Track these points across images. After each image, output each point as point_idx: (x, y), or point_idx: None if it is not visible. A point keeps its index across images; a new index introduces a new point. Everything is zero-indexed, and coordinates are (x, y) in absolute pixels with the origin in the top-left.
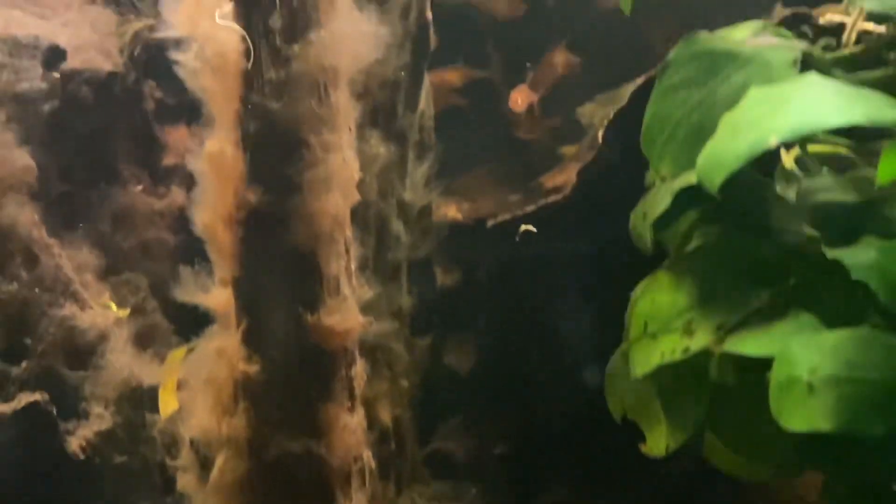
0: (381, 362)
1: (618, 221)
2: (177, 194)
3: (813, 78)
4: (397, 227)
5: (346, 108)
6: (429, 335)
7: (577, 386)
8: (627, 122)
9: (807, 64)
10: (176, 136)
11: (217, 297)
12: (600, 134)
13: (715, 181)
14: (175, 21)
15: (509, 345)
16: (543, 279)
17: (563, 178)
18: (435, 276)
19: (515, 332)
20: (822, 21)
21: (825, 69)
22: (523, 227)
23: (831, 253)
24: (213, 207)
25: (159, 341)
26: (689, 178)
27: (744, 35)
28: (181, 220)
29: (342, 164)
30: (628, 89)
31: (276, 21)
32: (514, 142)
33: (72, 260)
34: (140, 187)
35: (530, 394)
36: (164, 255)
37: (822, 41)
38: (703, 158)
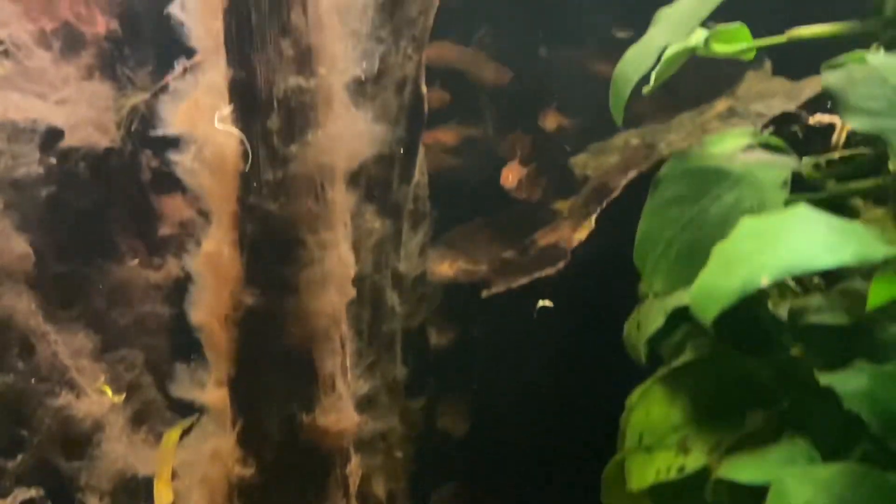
0: (376, 437)
1: (610, 301)
2: (173, 265)
3: (803, 212)
4: (392, 298)
5: (342, 204)
6: (423, 397)
7: (573, 449)
8: (620, 211)
9: (797, 181)
10: (172, 204)
11: (212, 396)
12: (593, 219)
13: (708, 315)
14: (174, 121)
15: (505, 407)
16: (539, 340)
17: (557, 235)
18: (429, 339)
19: (511, 394)
20: (812, 122)
21: (816, 185)
22: (541, 303)
23: (824, 378)
24: (209, 308)
25: (155, 417)
26: (682, 298)
27: (735, 146)
28: (178, 295)
29: (338, 261)
30: (617, 141)
31: (274, 122)
32: (507, 197)
33: (68, 345)
34: (136, 261)
35: (526, 458)
36: (160, 328)
37: (811, 158)
38: (696, 290)
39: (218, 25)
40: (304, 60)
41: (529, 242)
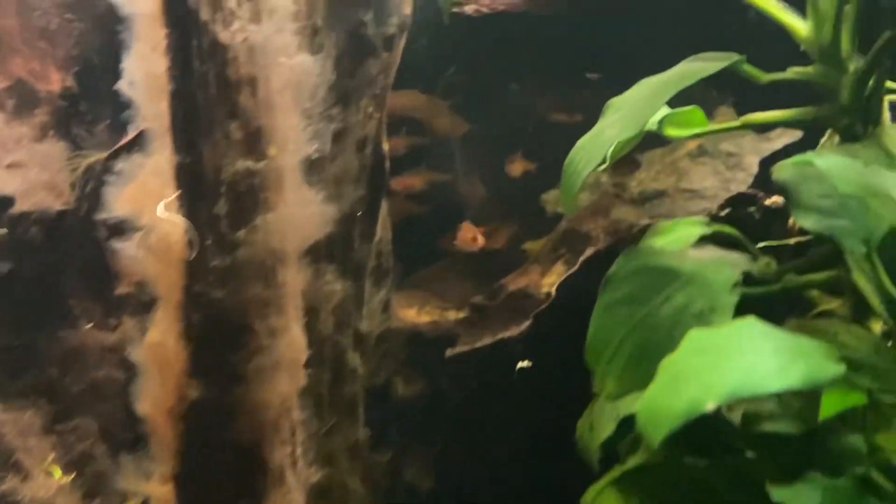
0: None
1: (576, 357)
2: (129, 325)
3: (751, 327)
4: (354, 359)
5: (293, 286)
6: (388, 451)
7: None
8: (579, 283)
9: (749, 278)
10: (127, 260)
11: (158, 492)
12: (554, 290)
13: (655, 437)
14: (119, 206)
15: (472, 460)
16: (507, 392)
17: (527, 280)
18: (394, 396)
19: (479, 446)
20: (768, 203)
21: (767, 280)
22: (520, 364)
23: (777, 493)
24: (154, 400)
25: (107, 492)
26: (632, 406)
27: (687, 236)
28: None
29: (288, 347)
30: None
31: (221, 207)
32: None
33: (16, 423)
34: (90, 325)
35: None
36: (115, 393)
37: (765, 257)
38: (643, 410)
39: (165, 107)
40: (254, 142)
41: (498, 287)
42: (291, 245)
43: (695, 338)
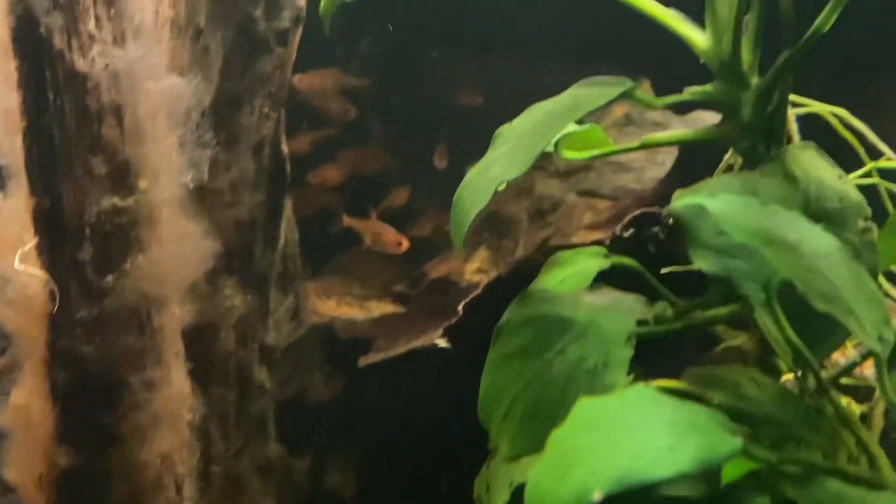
0: None
1: None
2: None
3: (643, 398)
4: (260, 374)
5: (173, 331)
6: (307, 458)
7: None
8: (483, 306)
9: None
10: None
11: None
12: (461, 307)
13: None
14: None
15: (396, 461)
16: (430, 391)
17: (448, 267)
18: (308, 405)
19: (404, 448)
20: (672, 223)
21: (664, 322)
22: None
23: None
24: (22, 467)
25: None
26: (525, 472)
27: (585, 271)
28: None
29: (169, 399)
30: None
31: (86, 252)
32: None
33: None
34: None
35: None
36: None
37: (661, 304)
38: (530, 493)
39: (19, 145)
40: (120, 177)
41: (420, 274)
42: (168, 286)
43: (584, 409)
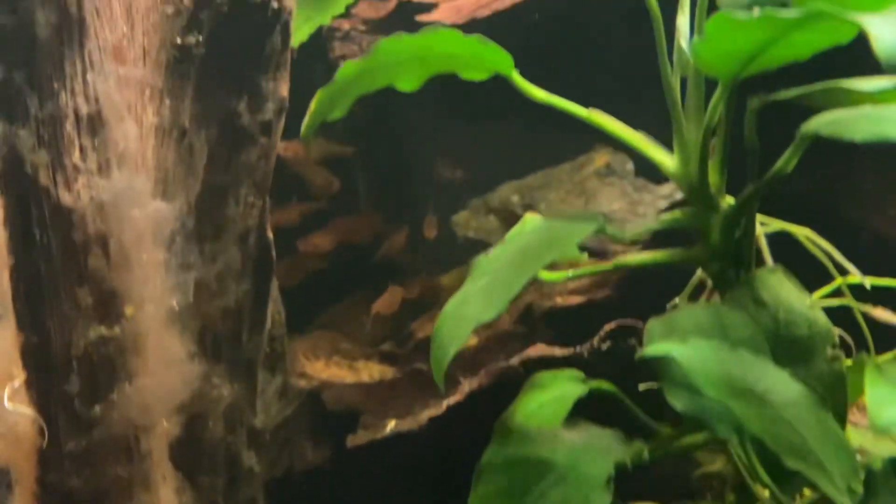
0: None
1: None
2: None
3: None
4: (249, 458)
5: (161, 452)
6: None
7: None
8: (464, 412)
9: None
10: None
11: None
12: (446, 404)
13: None
14: None
15: None
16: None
17: (433, 326)
18: (298, 483)
19: None
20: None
21: (641, 462)
22: None
23: None
24: None
25: None
26: None
27: (563, 397)
28: None
29: None
30: (497, 196)
31: (73, 385)
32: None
33: None
34: None
35: None
36: None
37: (638, 444)
38: None
39: (6, 283)
40: (107, 306)
41: (407, 334)
42: (156, 411)
43: None
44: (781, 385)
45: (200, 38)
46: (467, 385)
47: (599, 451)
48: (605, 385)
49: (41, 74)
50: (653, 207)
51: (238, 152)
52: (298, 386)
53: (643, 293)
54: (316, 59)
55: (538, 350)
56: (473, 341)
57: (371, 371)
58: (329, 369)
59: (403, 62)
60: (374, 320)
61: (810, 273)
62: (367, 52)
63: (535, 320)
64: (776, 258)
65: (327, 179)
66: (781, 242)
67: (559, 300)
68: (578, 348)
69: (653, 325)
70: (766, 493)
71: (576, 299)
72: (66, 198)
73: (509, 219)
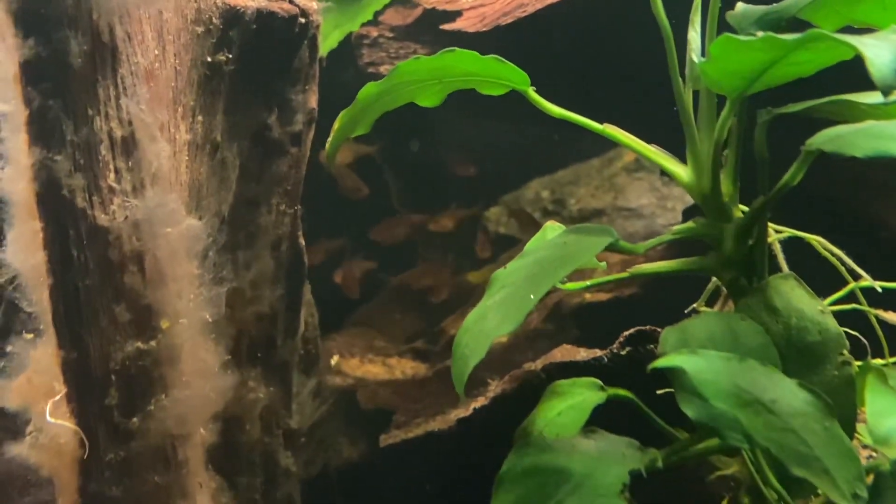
0: None
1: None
2: None
3: None
4: (286, 459)
5: (198, 459)
6: None
7: None
8: (490, 416)
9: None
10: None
11: None
12: (473, 406)
13: None
14: (8, 401)
15: None
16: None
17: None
18: (333, 480)
19: None
20: None
21: (655, 469)
22: None
23: None
24: None
25: None
26: None
27: (582, 405)
28: None
29: None
30: (528, 193)
31: (112, 398)
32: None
33: None
34: None
35: None
36: None
37: (651, 452)
38: None
39: (46, 302)
40: (143, 322)
41: (439, 331)
42: (192, 421)
43: None
44: (789, 394)
45: (230, 56)
46: (493, 389)
47: (615, 459)
48: (623, 392)
49: (76, 101)
50: (681, 202)
51: (269, 163)
52: (334, 383)
53: (670, 289)
54: (346, 65)
55: (561, 353)
56: (504, 339)
57: (404, 368)
58: (363, 366)
59: (423, 82)
60: (406, 318)
61: (827, 279)
62: (388, 74)
63: (563, 318)
64: (793, 265)
65: (356, 183)
66: (799, 248)
67: (588, 296)
68: (600, 353)
69: (667, 334)
70: (777, 497)
71: (603, 296)
72: (102, 218)
73: (541, 218)
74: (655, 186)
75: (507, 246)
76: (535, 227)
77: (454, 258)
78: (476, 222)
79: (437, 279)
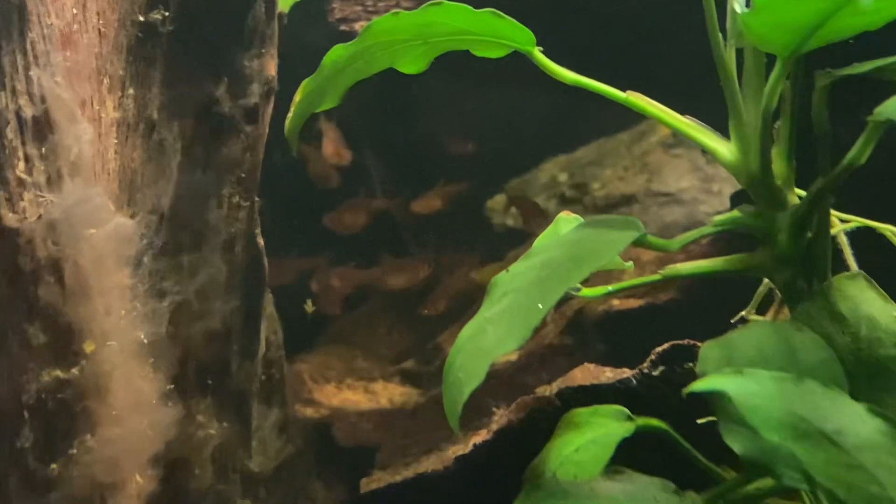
0: None
1: None
2: None
3: None
4: None
5: None
6: None
7: None
8: (493, 452)
9: None
10: None
11: None
12: (473, 443)
13: None
14: None
15: None
16: None
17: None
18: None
19: None
20: None
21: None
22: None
23: None
24: None
25: None
26: None
27: (605, 440)
28: None
29: None
30: (541, 176)
31: (26, 438)
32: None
33: None
34: None
35: None
36: None
37: (690, 497)
38: None
39: None
40: (63, 343)
41: (433, 348)
42: (125, 466)
43: None
44: (857, 423)
45: (167, 13)
46: (497, 420)
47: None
48: (655, 422)
49: None
50: (730, 184)
51: (219, 146)
52: (304, 415)
53: (713, 293)
54: (313, 23)
55: (582, 375)
56: (512, 357)
57: (391, 394)
58: (341, 393)
59: (404, 42)
60: (395, 333)
61: None
62: (361, 33)
63: (584, 329)
64: (862, 262)
65: (326, 168)
66: (870, 241)
67: (615, 303)
68: (628, 374)
69: (708, 350)
70: None
71: (634, 303)
72: (9, 218)
73: (556, 207)
74: (698, 165)
75: (517, 242)
76: (543, 218)
77: (451, 252)
78: (475, 203)
79: (412, 276)
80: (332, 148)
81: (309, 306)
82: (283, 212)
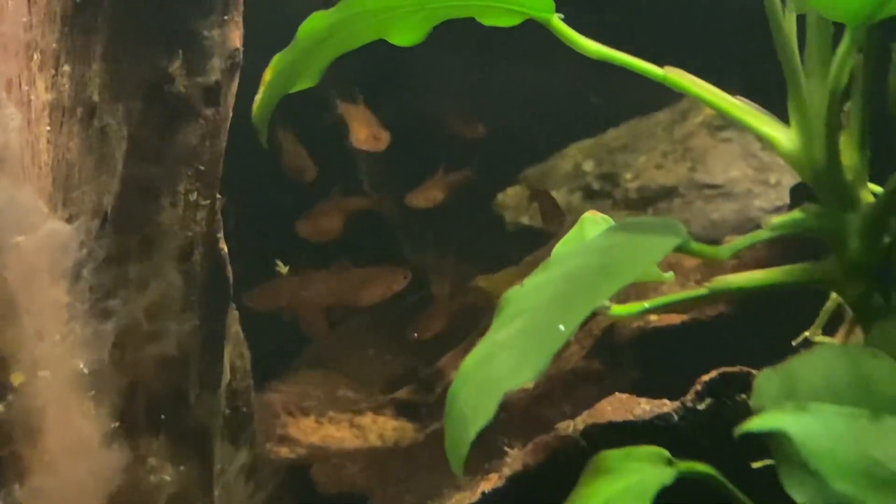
0: None
1: None
2: None
3: None
4: None
5: None
6: None
7: None
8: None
9: None
10: None
11: None
12: (479, 493)
13: None
14: None
15: None
16: None
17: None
18: None
19: None
20: None
21: None
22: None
23: None
24: None
25: None
26: None
27: (640, 491)
28: None
29: None
30: (564, 165)
31: None
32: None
33: None
34: None
35: None
36: None
37: None
38: None
39: None
40: None
41: (433, 373)
42: None
43: None
44: None
45: None
46: (510, 463)
47: None
48: (700, 467)
49: None
50: (790, 173)
51: (173, 133)
52: (278, 455)
53: (771, 309)
54: None
55: (612, 407)
56: (528, 385)
57: (382, 430)
58: (322, 429)
59: (395, 9)
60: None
61: None
62: None
63: (616, 351)
64: None
65: (303, 159)
66: None
67: (653, 318)
68: (668, 407)
69: (765, 380)
70: None
71: (676, 318)
72: None
73: (582, 203)
74: (752, 151)
75: (533, 244)
76: (563, 217)
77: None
78: (483, 197)
79: (392, 282)
80: (366, 132)
81: (281, 267)
82: (251, 211)
